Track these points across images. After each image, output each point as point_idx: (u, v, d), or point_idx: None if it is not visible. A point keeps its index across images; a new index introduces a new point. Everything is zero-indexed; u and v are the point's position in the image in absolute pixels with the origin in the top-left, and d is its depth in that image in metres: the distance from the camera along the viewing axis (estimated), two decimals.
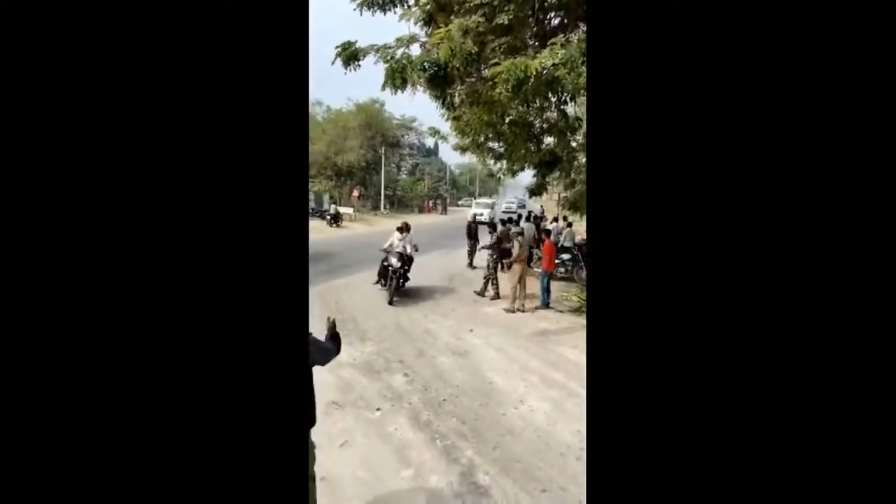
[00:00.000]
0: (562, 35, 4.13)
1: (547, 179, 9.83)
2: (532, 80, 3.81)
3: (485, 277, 7.92)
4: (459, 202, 43.34)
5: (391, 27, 4.91)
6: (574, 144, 7.73)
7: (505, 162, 8.82)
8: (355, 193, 25.21)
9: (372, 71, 4.59)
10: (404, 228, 7.50)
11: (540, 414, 3.79)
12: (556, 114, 7.25)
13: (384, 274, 7.33)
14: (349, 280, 8.32)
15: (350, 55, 4.53)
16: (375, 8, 4.84)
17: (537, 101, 5.30)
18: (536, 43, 4.89)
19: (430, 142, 39.78)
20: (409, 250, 7.29)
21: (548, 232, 8.36)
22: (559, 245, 9.82)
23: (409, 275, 7.45)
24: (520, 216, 15.06)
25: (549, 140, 7.79)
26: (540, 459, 3.15)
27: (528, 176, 10.50)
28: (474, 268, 10.13)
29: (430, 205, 34.81)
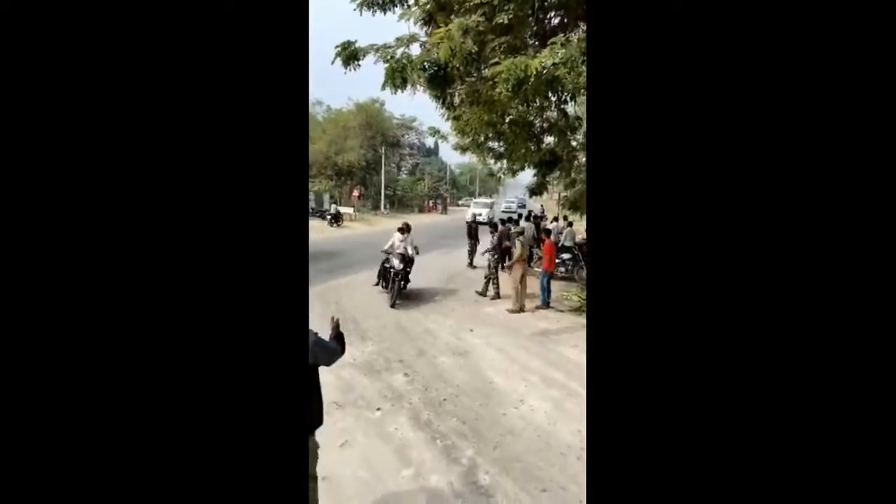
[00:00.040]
0: (562, 34, 4.13)
1: (547, 179, 9.83)
2: (532, 79, 3.81)
3: (486, 277, 7.91)
4: (460, 202, 43.34)
5: (391, 27, 4.91)
6: (574, 144, 7.73)
7: (505, 161, 8.82)
8: (355, 193, 25.21)
9: (372, 70, 4.59)
10: (405, 229, 7.33)
11: (540, 413, 3.79)
12: (556, 113, 7.25)
13: (385, 276, 7.20)
14: (350, 280, 8.33)
15: (350, 55, 4.53)
16: (375, 8, 4.84)
17: (537, 100, 5.29)
18: (536, 42, 4.89)
19: (430, 141, 39.80)
20: (410, 252, 7.12)
21: (548, 231, 8.35)
22: (560, 244, 9.82)
23: (410, 276, 7.33)
24: (520, 216, 15.05)
25: (549, 139, 7.78)
26: (540, 459, 3.15)
27: (528, 175, 10.52)
28: (475, 267, 10.13)
29: (431, 204, 34.81)
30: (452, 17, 4.42)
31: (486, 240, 9.29)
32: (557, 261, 8.91)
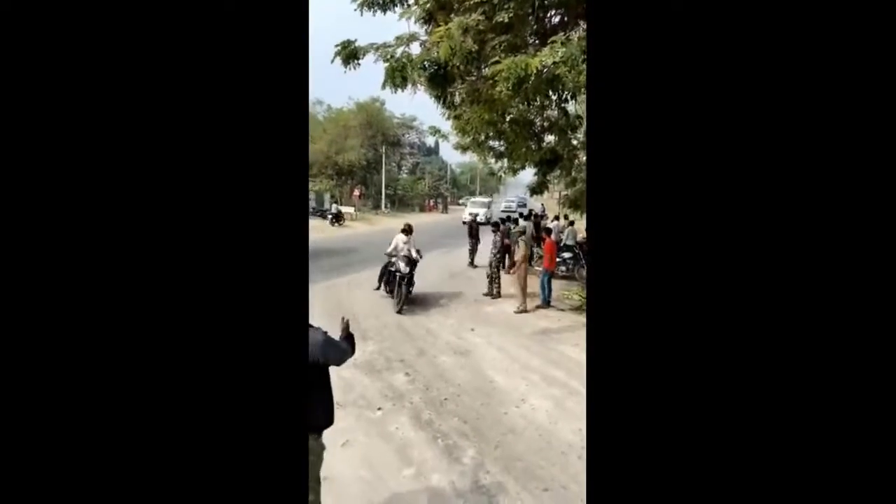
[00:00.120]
0: (562, 33, 4.12)
1: (548, 178, 9.81)
2: (532, 78, 3.80)
3: (488, 276, 7.91)
4: (460, 201, 43.33)
5: (391, 27, 4.91)
6: (575, 143, 7.72)
7: (506, 160, 8.80)
8: (356, 192, 25.22)
9: (373, 70, 4.58)
10: (408, 230, 7.01)
11: (541, 413, 3.79)
12: (556, 112, 7.23)
13: (388, 279, 6.85)
14: (351, 278, 8.33)
15: (349, 54, 4.52)
16: (376, 7, 4.83)
17: (538, 99, 5.28)
18: (537, 41, 4.88)
19: (430, 141, 39.84)
20: (414, 254, 6.78)
21: (548, 230, 8.35)
22: (562, 243, 9.82)
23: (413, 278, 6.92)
24: (521, 215, 15.04)
25: (549, 138, 7.77)
26: (541, 458, 3.15)
27: (529, 174, 10.51)
28: (475, 267, 10.14)
29: (431, 204, 34.83)
30: (452, 15, 4.41)
31: (486, 239, 9.29)
32: (558, 259, 8.91)
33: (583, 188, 8.36)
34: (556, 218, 13.01)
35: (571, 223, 10.81)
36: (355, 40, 4.56)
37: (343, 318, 2.29)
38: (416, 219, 19.96)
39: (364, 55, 4.52)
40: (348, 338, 2.21)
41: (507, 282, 7.89)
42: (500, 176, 11.29)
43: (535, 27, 4.93)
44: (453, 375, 4.48)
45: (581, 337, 5.57)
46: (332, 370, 2.15)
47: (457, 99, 5.71)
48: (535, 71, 3.73)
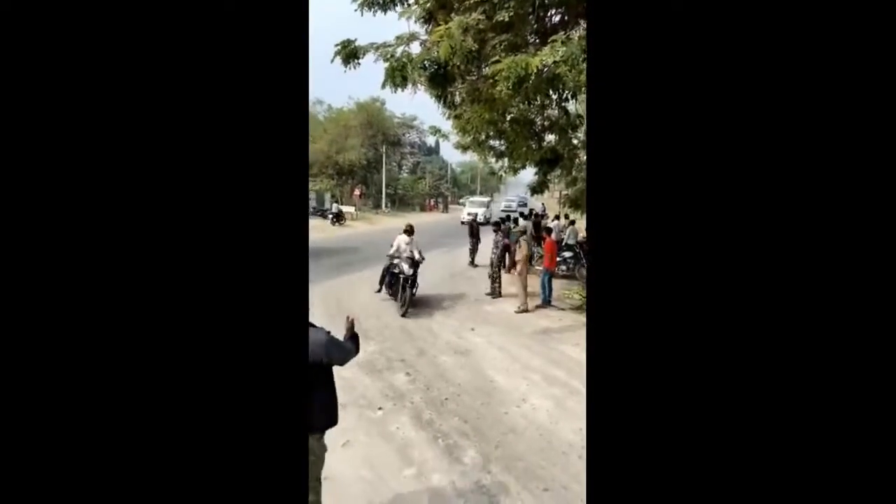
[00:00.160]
0: (562, 32, 4.12)
1: (548, 177, 9.81)
2: (533, 77, 3.80)
3: (489, 276, 7.90)
4: (461, 200, 43.32)
5: (391, 26, 4.90)
6: (575, 142, 7.71)
7: (506, 160, 8.79)
8: (357, 192, 25.22)
9: (373, 70, 4.58)
10: (410, 231, 6.92)
11: (542, 412, 3.79)
12: (557, 111, 7.23)
13: (391, 282, 6.70)
14: (351, 278, 8.33)
15: (349, 53, 4.52)
16: (376, 7, 4.82)
17: (538, 98, 5.27)
18: (537, 40, 4.88)
19: (431, 140, 39.85)
20: (416, 255, 6.64)
21: (549, 230, 8.35)
22: (563, 243, 9.82)
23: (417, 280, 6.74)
24: (521, 214, 15.03)
25: (550, 138, 7.77)
26: (542, 458, 3.15)
27: (529, 174, 10.50)
28: (476, 266, 10.15)
29: (432, 203, 34.84)
30: (453, 15, 4.40)
31: (486, 239, 9.28)
32: (559, 259, 8.90)
33: (583, 187, 8.35)
34: (557, 217, 13.01)
35: (572, 222, 10.80)
36: (355, 40, 4.56)
37: (348, 318, 2.29)
38: (417, 218, 19.97)
39: (364, 55, 4.52)
40: (353, 337, 2.20)
41: (508, 281, 7.89)
42: (501, 175, 11.27)
43: (535, 26, 4.93)
44: (454, 375, 4.48)
45: (581, 336, 5.56)
46: (333, 369, 2.15)
47: (457, 98, 5.71)
48: (535, 70, 3.73)
